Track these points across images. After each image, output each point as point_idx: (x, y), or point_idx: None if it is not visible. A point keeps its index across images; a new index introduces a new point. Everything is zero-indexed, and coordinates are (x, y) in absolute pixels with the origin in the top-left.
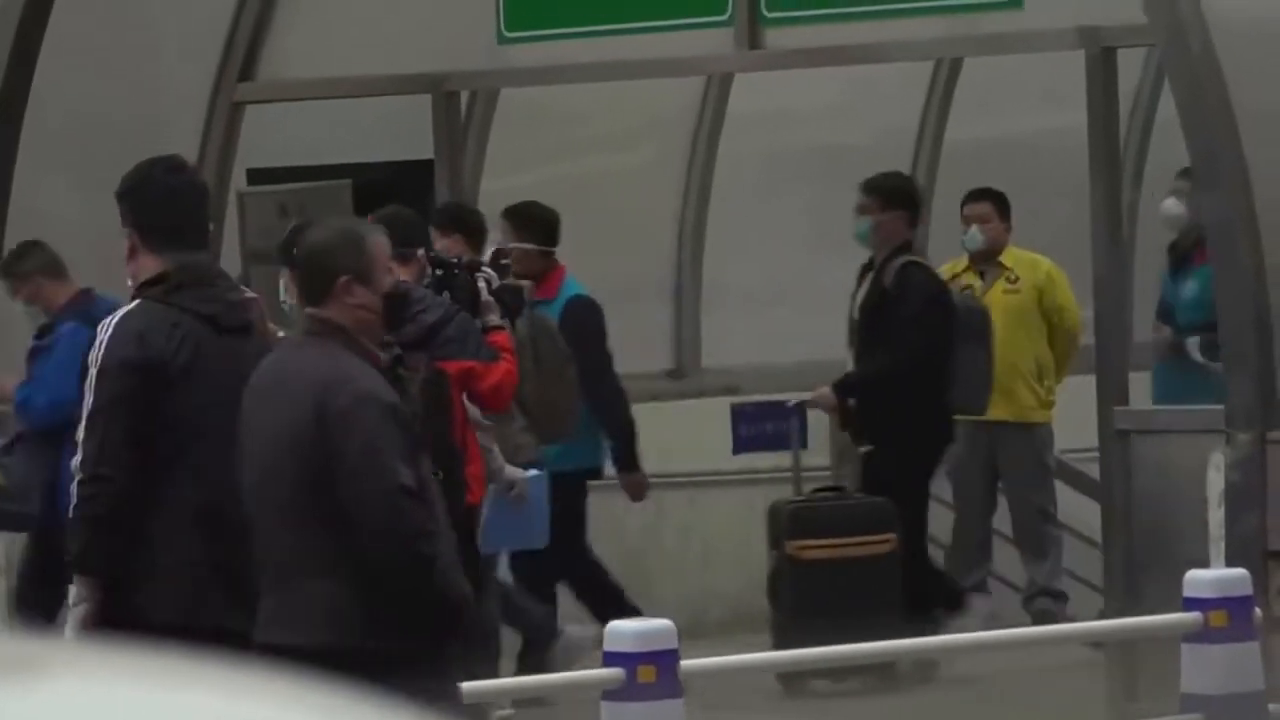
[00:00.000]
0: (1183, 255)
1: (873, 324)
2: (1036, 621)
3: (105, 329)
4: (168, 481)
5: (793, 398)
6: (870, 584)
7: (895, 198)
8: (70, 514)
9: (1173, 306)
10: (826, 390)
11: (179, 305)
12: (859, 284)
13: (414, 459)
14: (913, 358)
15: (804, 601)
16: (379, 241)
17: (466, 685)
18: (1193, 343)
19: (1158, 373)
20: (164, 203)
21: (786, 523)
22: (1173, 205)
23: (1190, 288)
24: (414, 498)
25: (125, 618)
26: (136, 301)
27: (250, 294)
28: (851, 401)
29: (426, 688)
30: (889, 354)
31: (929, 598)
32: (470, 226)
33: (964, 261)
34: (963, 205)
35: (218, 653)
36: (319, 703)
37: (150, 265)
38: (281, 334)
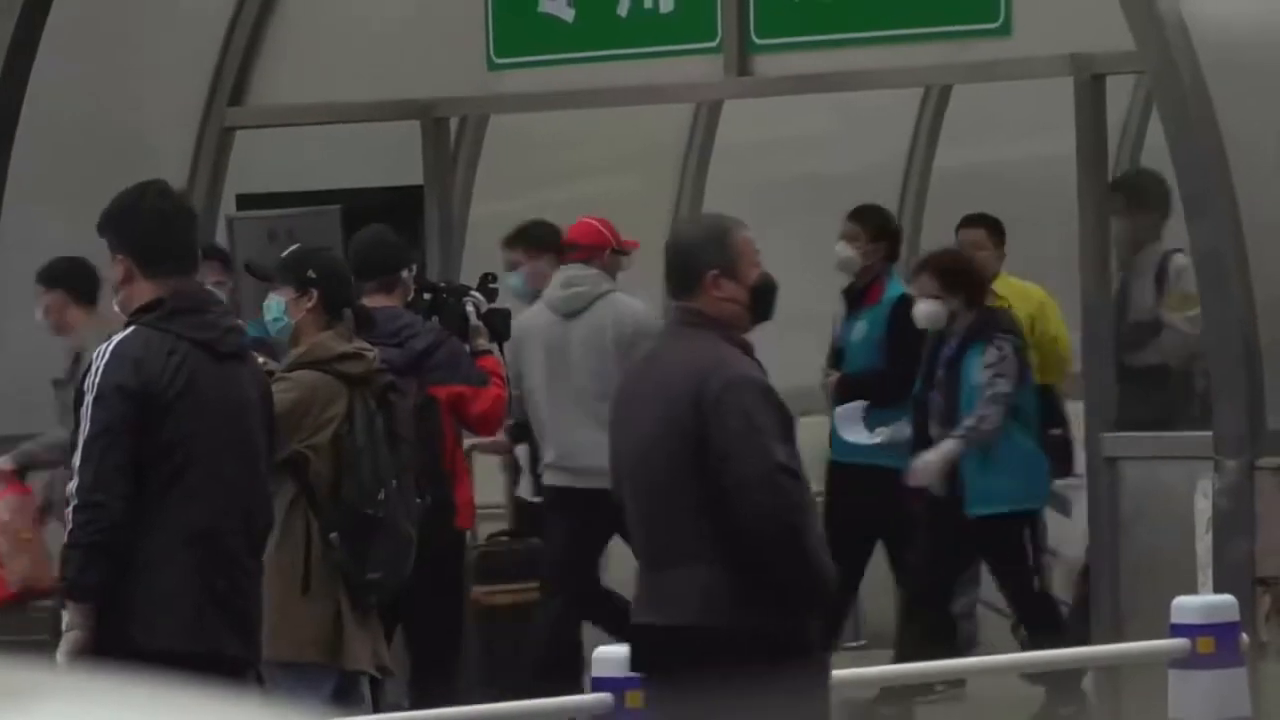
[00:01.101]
0: (856, 297)
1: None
2: (1024, 648)
3: (101, 355)
4: (163, 507)
5: None
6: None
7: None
8: (65, 540)
9: (843, 350)
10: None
11: (175, 331)
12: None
13: (788, 437)
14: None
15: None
16: (745, 237)
17: (441, 709)
18: (868, 433)
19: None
20: (159, 228)
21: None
22: (842, 249)
23: (859, 329)
24: (790, 475)
25: (121, 644)
26: (132, 328)
27: (239, 320)
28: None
29: (791, 664)
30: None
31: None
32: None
33: None
34: (957, 230)
35: (214, 679)
36: None
37: (145, 291)
38: (262, 360)
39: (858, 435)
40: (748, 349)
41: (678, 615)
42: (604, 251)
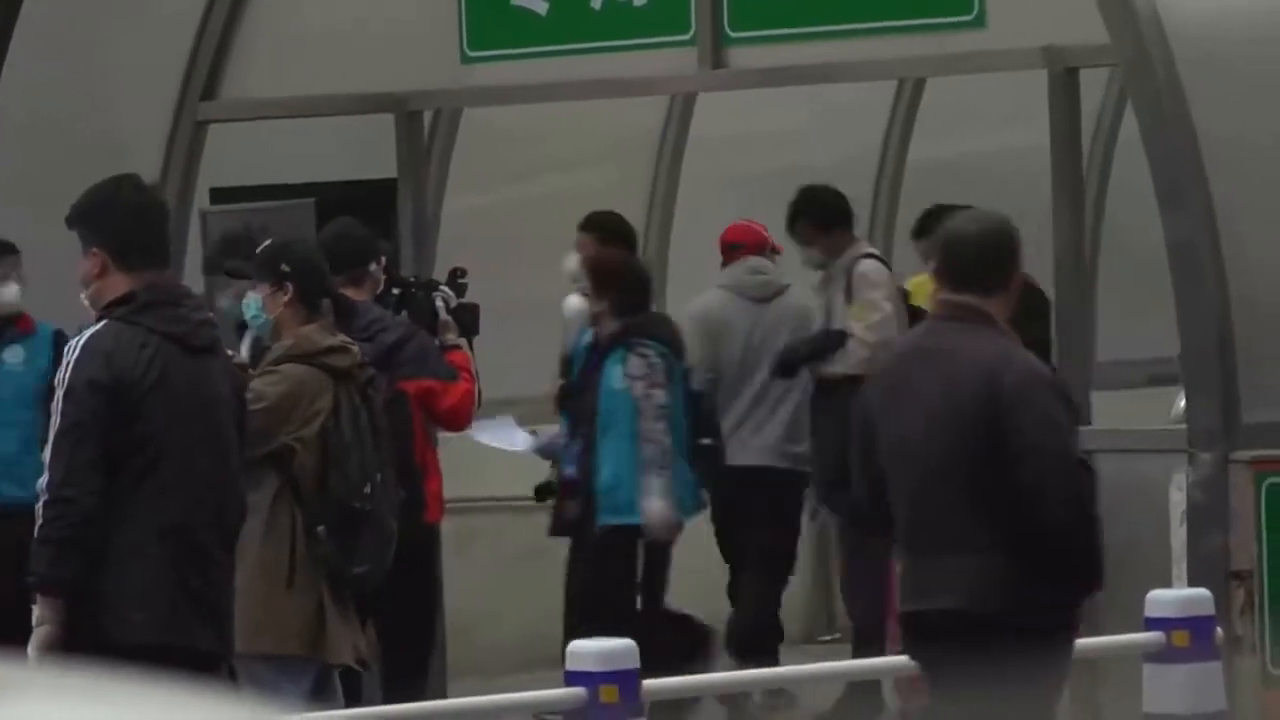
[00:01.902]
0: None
1: None
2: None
3: (73, 349)
4: (135, 501)
5: None
6: None
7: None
8: (36, 535)
9: (574, 359)
10: None
11: (146, 325)
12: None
13: (1075, 431)
14: None
15: None
16: (1019, 237)
17: (415, 705)
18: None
19: None
20: (134, 221)
21: None
22: (570, 261)
23: (588, 337)
24: (1086, 468)
25: (94, 638)
26: (104, 322)
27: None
28: None
29: (1054, 648)
30: None
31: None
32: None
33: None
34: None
35: (187, 673)
36: None
37: (120, 285)
38: (231, 352)
39: (503, 442)
40: (1017, 343)
41: (949, 601)
42: (764, 250)
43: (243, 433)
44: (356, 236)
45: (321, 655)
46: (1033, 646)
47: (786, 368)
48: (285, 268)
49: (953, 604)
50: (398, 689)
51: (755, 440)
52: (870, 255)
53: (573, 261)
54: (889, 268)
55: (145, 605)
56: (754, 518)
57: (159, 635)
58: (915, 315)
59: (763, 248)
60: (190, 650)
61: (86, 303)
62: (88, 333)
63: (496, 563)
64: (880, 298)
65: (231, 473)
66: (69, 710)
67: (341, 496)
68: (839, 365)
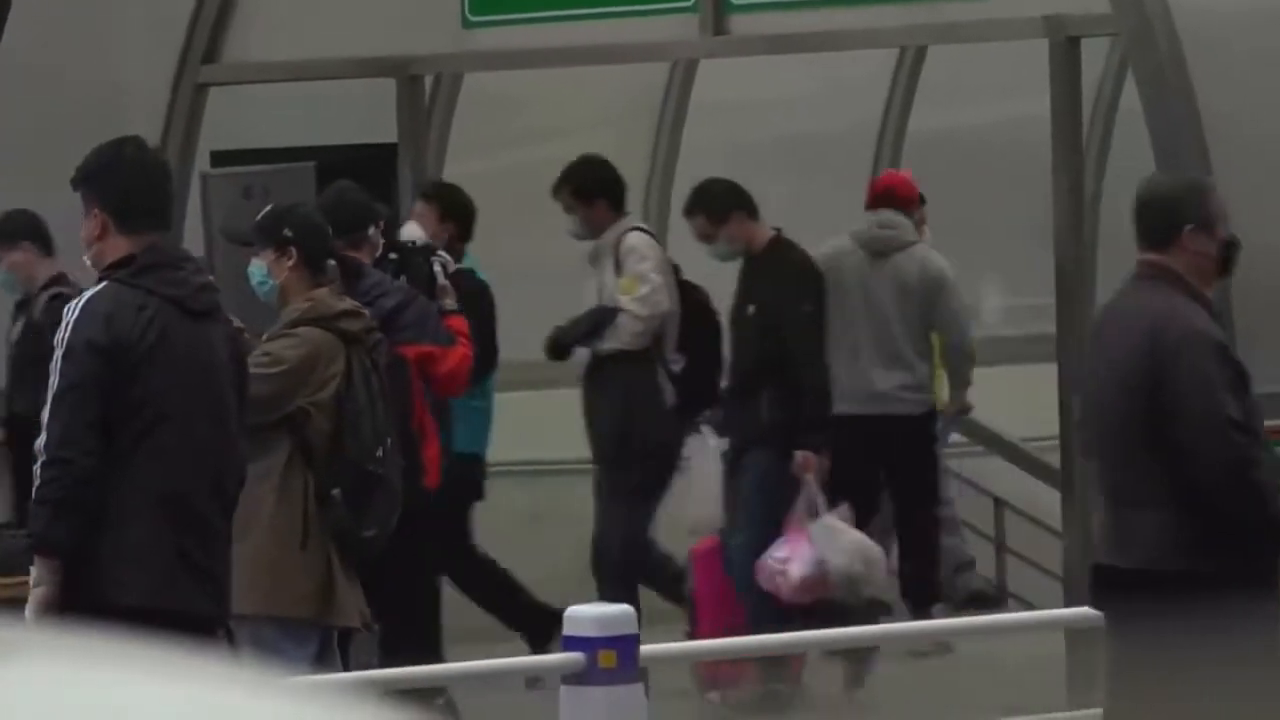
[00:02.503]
0: None
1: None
2: (969, 599)
3: (72, 310)
4: (133, 464)
5: None
6: None
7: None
8: (33, 496)
9: None
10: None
11: (146, 287)
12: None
13: (1243, 392)
14: None
15: None
16: (1218, 194)
17: (412, 668)
18: None
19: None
20: (138, 183)
21: None
22: (410, 229)
23: None
24: (1241, 429)
25: (90, 601)
26: (104, 283)
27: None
28: None
29: (1242, 606)
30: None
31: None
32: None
33: None
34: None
35: (184, 637)
36: (284, 690)
37: (121, 246)
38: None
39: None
40: (1208, 305)
41: (1139, 557)
42: (914, 204)
43: (243, 398)
44: (355, 200)
45: (329, 619)
46: (1229, 601)
47: (557, 349)
48: (288, 232)
49: (1140, 561)
50: (394, 653)
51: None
52: (638, 229)
53: (415, 230)
54: (658, 241)
55: (142, 569)
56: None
57: (155, 599)
58: None
59: (912, 202)
60: (186, 615)
61: (89, 263)
62: (87, 294)
63: (497, 527)
64: (648, 269)
65: (231, 439)
66: (71, 672)
67: (356, 460)
68: (612, 341)
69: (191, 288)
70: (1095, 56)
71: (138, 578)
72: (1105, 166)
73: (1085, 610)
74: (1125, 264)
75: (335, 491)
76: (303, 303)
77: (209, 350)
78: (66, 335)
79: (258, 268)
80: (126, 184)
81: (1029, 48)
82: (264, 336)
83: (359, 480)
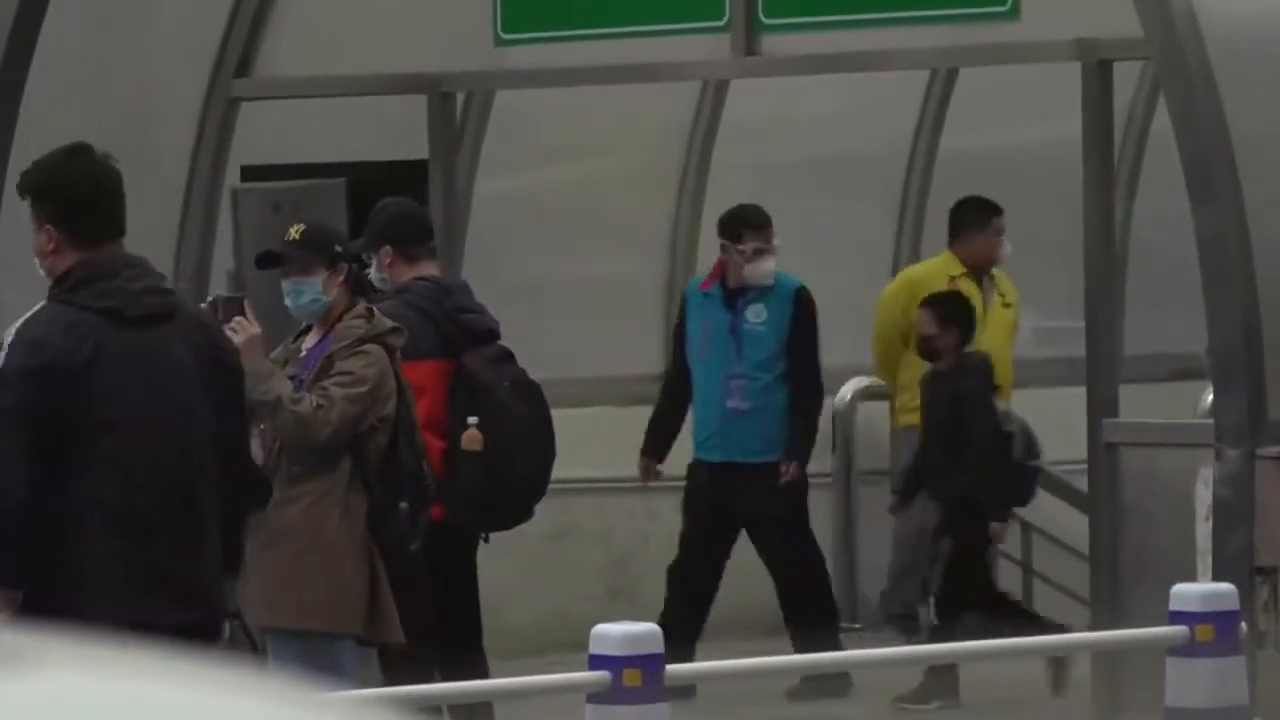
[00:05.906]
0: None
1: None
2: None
3: (8, 334)
4: (82, 480)
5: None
6: None
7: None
8: None
9: None
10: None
11: (79, 304)
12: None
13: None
14: None
15: None
16: None
17: (437, 685)
18: None
19: None
20: (88, 197)
21: None
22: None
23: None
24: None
25: (57, 617)
26: (41, 304)
27: (165, 277)
28: None
29: None
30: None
31: None
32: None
33: (956, 264)
34: (993, 217)
35: (161, 648)
36: (301, 699)
37: (72, 259)
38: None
39: None
40: None
41: None
42: None
43: (231, 395)
44: (415, 215)
45: (377, 635)
46: None
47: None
48: (338, 249)
49: None
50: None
51: None
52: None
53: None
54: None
55: (100, 584)
56: None
57: (118, 612)
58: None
59: None
60: (157, 626)
61: (43, 274)
62: (23, 318)
63: (519, 546)
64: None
65: (198, 444)
66: (93, 683)
67: (414, 472)
68: None
69: (128, 295)
70: (1127, 79)
71: (96, 592)
72: (1136, 190)
73: (1116, 633)
74: (1153, 286)
75: (403, 505)
76: (354, 319)
77: (163, 355)
78: (1, 361)
79: (311, 284)
80: (76, 199)
81: (1061, 68)
82: (287, 347)
83: (417, 492)
